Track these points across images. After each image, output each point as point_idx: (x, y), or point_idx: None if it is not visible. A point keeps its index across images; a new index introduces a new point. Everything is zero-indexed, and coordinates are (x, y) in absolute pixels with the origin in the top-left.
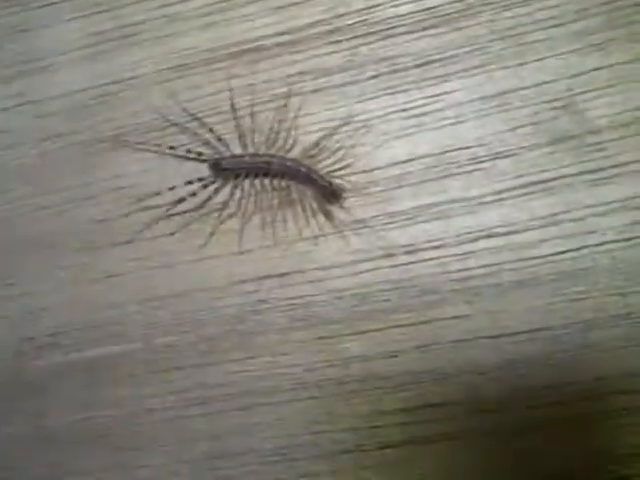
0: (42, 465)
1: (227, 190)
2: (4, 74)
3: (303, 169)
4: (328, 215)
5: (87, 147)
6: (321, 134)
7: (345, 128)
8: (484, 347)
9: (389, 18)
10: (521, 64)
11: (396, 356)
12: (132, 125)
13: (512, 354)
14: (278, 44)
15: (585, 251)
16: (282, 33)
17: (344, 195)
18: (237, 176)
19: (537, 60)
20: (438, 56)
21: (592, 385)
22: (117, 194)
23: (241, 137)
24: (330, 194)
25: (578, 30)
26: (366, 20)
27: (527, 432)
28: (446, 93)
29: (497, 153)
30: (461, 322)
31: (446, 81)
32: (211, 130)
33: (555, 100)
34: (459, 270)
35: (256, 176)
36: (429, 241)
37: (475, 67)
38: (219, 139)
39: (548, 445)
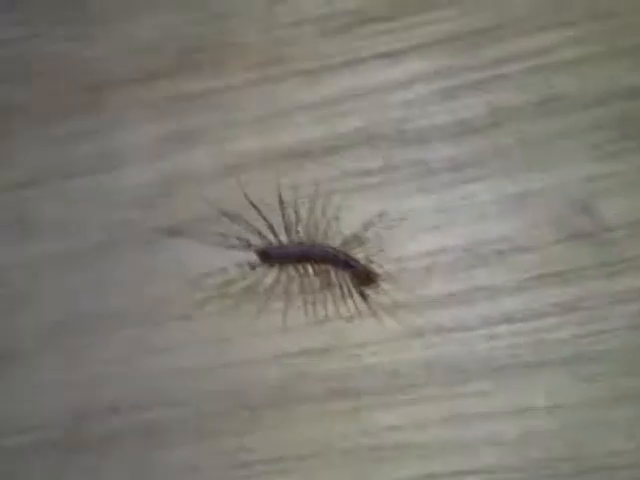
0: None
1: (273, 274)
2: (74, 171)
3: (342, 256)
4: (364, 297)
5: (149, 234)
6: (359, 226)
7: (381, 222)
8: (504, 421)
9: (423, 128)
10: (543, 170)
11: (424, 426)
12: (190, 215)
13: (530, 428)
14: (323, 148)
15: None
16: (327, 139)
17: (379, 280)
18: (283, 262)
19: (558, 166)
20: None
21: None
22: (176, 275)
23: (287, 227)
24: (366, 278)
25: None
26: (403, 128)
27: None
28: (474, 194)
29: (519, 247)
30: (484, 399)
31: (474, 182)
32: (261, 220)
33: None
34: (483, 350)
35: (299, 261)
36: (456, 323)
37: (499, 171)
38: (268, 228)
39: None
